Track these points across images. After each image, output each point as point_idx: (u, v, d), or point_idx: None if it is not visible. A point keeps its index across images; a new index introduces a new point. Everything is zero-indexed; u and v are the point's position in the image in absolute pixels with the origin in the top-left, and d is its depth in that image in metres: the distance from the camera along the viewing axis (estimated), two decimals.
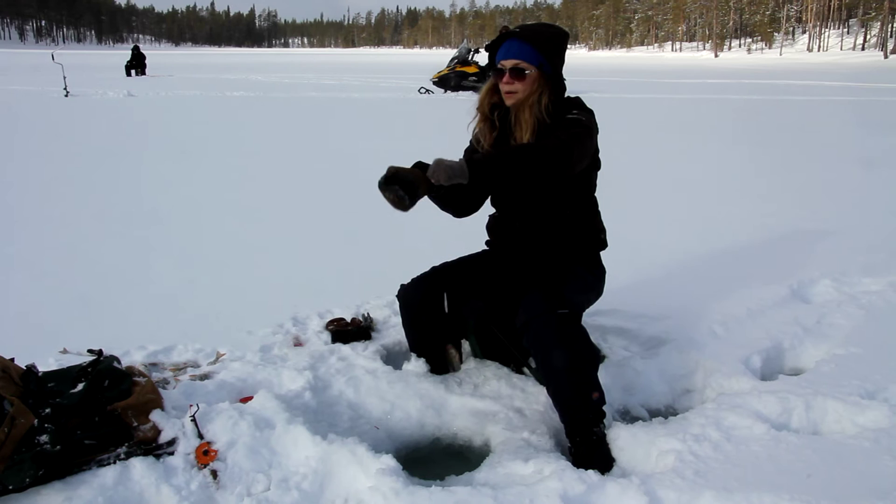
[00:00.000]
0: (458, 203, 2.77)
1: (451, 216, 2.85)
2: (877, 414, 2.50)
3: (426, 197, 2.41)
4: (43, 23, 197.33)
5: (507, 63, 2.59)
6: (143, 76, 27.77)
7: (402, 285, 2.89)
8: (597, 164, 2.73)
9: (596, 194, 2.84)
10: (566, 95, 2.68)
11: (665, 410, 2.88)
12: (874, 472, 2.17)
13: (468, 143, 2.86)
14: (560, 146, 2.37)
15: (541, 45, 2.59)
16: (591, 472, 2.21)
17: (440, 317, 2.84)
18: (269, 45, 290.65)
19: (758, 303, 3.70)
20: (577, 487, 2.12)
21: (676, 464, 2.23)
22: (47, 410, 2.22)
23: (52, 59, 19.93)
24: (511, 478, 2.27)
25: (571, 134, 2.44)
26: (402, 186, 2.23)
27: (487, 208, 2.95)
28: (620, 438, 2.45)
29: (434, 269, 2.86)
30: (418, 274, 2.87)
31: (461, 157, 2.85)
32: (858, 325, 3.38)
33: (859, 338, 3.22)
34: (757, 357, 3.09)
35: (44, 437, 2.12)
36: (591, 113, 2.59)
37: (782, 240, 5.14)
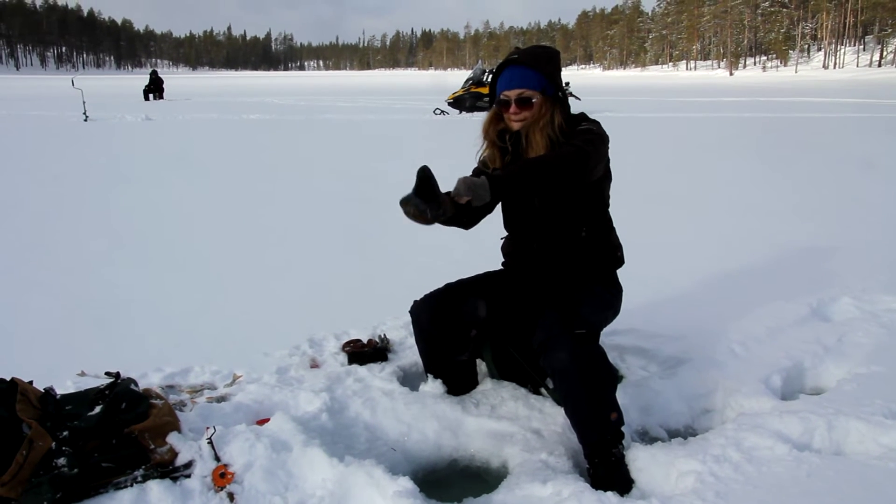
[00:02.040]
0: (468, 219, 2.78)
1: (461, 230, 2.85)
2: None
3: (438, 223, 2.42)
4: (63, 49, 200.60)
5: (512, 93, 2.61)
6: (161, 100, 28.10)
7: (414, 302, 2.89)
8: (609, 176, 2.73)
9: (610, 210, 2.84)
10: (570, 112, 2.70)
11: (684, 431, 2.85)
12: None
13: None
14: (577, 152, 2.39)
15: (541, 67, 2.61)
16: (610, 493, 2.19)
17: (453, 333, 2.84)
18: (286, 68, 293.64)
19: (777, 321, 3.66)
20: None
21: (697, 485, 2.21)
22: (65, 433, 2.23)
23: (73, 84, 20.22)
24: (529, 500, 2.25)
25: (586, 140, 2.46)
26: (424, 199, 2.21)
27: (501, 231, 2.95)
28: (639, 459, 2.43)
29: (447, 285, 2.86)
30: (431, 290, 2.87)
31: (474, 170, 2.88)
32: (880, 344, 3.34)
33: (881, 356, 3.18)
34: (777, 376, 3.05)
35: (61, 460, 2.13)
36: (598, 123, 2.62)
37: (801, 258, 5.10)
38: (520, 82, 2.59)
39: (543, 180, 2.33)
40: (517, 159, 2.69)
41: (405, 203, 2.23)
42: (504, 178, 2.27)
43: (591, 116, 2.68)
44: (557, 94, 2.64)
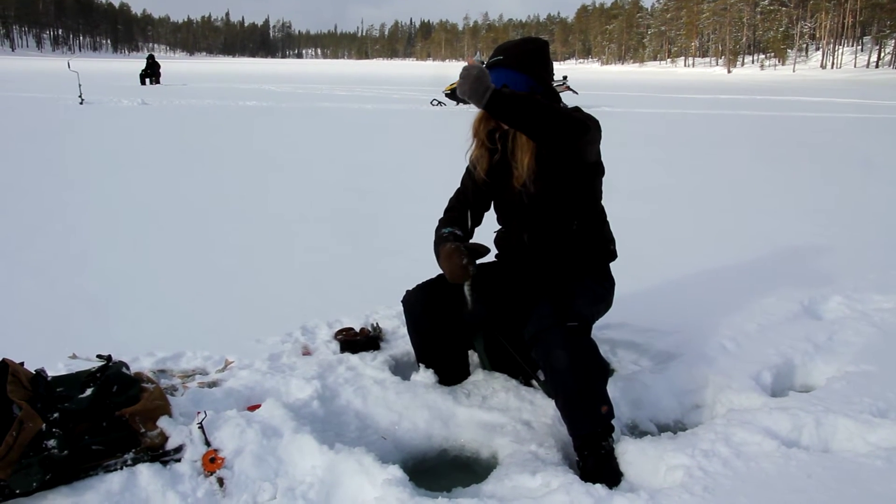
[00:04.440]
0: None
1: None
2: (889, 432, 2.47)
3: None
4: (60, 31, 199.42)
5: None
6: (158, 85, 27.96)
7: (407, 291, 2.90)
8: (601, 170, 2.73)
9: (604, 204, 2.83)
10: (561, 105, 2.68)
11: (674, 425, 2.86)
12: (887, 491, 2.14)
13: (462, 178, 2.93)
14: (580, 121, 2.38)
15: (527, 66, 2.57)
16: (598, 486, 2.20)
17: (444, 323, 2.85)
18: (283, 56, 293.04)
19: (769, 319, 3.68)
20: (584, 501, 2.10)
21: (685, 479, 2.21)
22: (55, 415, 2.23)
23: (69, 66, 20.11)
24: (518, 491, 2.26)
25: (587, 116, 2.45)
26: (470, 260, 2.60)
27: (495, 224, 2.95)
28: (629, 453, 2.44)
29: (440, 275, 2.86)
30: (424, 280, 2.87)
31: (463, 176, 2.87)
32: (870, 343, 3.36)
33: (871, 355, 3.19)
34: (767, 373, 3.06)
35: (51, 442, 2.12)
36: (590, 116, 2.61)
37: (793, 256, 5.12)
38: (507, 84, 2.55)
39: (539, 121, 2.31)
40: (506, 158, 2.69)
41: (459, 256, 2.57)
42: (505, 97, 2.26)
43: (587, 111, 2.67)
44: (546, 91, 2.61)
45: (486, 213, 2.97)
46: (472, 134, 2.77)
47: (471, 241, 2.84)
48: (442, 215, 2.93)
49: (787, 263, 4.92)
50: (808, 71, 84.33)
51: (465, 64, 2.31)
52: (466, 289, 2.67)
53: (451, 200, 2.96)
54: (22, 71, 40.20)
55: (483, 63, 2.66)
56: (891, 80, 54.04)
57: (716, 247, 5.40)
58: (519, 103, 2.29)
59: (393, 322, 3.57)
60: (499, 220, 2.94)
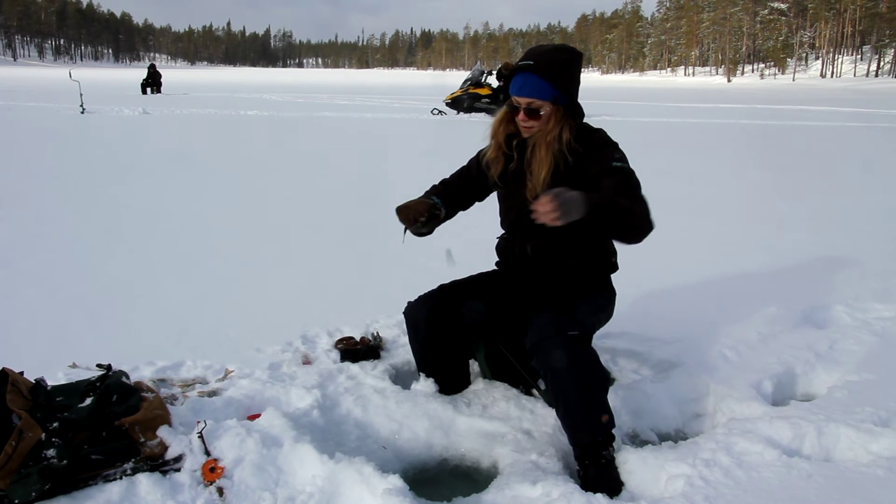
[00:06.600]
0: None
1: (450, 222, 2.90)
2: (891, 441, 2.46)
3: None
4: (61, 41, 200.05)
5: (522, 101, 2.56)
6: (159, 94, 28.03)
7: (408, 302, 2.89)
8: None
9: None
10: (584, 122, 2.67)
11: (675, 434, 2.85)
12: (889, 501, 2.13)
13: (468, 162, 2.93)
14: (649, 218, 2.45)
15: (555, 77, 2.54)
16: (599, 495, 2.20)
17: (448, 336, 2.84)
18: (284, 65, 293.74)
19: (770, 328, 3.67)
20: None
21: (686, 489, 2.21)
22: (55, 424, 2.23)
23: (70, 76, 20.16)
24: (519, 500, 2.25)
25: (638, 192, 2.51)
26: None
27: (494, 231, 2.95)
28: (629, 462, 2.43)
29: (442, 286, 2.86)
30: (426, 291, 2.86)
31: (472, 160, 2.91)
32: (872, 352, 3.35)
33: (873, 364, 3.19)
34: (768, 382, 3.06)
35: (51, 452, 2.12)
36: (616, 145, 2.61)
37: (795, 265, 5.11)
38: (530, 91, 2.54)
39: (628, 228, 2.42)
40: (521, 167, 2.68)
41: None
42: (605, 206, 2.30)
43: (593, 125, 2.67)
44: (570, 104, 2.58)
45: (478, 205, 2.99)
46: (491, 135, 2.76)
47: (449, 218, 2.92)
48: (437, 183, 2.97)
49: (788, 272, 4.92)
50: (808, 80, 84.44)
51: (549, 197, 2.18)
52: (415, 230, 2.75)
53: (453, 175, 2.96)
54: (23, 80, 40.26)
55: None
56: (890, 88, 54.11)
57: (716, 256, 5.39)
58: (617, 206, 2.35)
59: (393, 331, 3.57)
60: (502, 225, 2.93)
